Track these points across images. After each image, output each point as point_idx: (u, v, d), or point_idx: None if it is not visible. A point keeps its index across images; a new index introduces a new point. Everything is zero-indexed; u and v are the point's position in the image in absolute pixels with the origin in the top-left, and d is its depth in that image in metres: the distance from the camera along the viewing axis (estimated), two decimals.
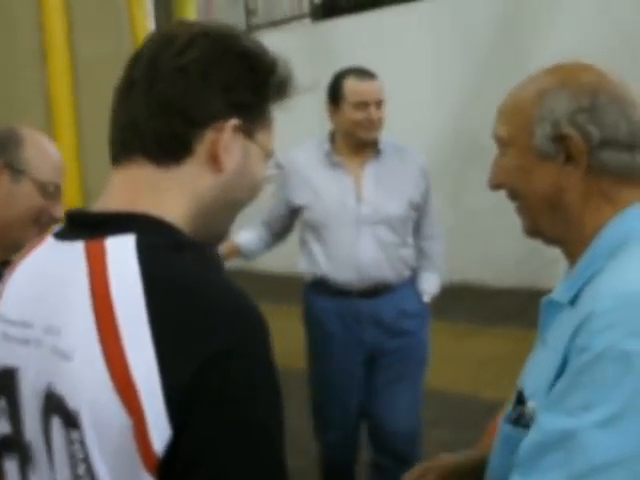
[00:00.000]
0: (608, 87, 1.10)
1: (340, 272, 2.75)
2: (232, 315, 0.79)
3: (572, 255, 1.14)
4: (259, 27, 9.27)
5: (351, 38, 7.88)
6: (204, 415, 0.75)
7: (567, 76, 1.12)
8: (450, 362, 4.86)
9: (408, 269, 2.84)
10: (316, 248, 2.79)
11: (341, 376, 2.83)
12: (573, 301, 1.08)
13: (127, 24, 3.34)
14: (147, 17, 2.95)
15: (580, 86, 1.09)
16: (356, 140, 2.77)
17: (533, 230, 1.19)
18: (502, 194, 1.21)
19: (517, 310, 5.59)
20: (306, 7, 8.79)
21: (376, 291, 2.77)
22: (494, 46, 6.82)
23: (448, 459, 1.43)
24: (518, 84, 1.18)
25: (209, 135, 0.89)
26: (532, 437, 1.00)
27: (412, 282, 2.88)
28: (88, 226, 0.86)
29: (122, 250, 0.81)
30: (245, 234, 2.96)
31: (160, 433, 0.74)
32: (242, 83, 0.91)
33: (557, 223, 1.14)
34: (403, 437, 2.86)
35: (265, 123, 0.95)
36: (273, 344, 0.83)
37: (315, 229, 2.80)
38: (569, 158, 1.09)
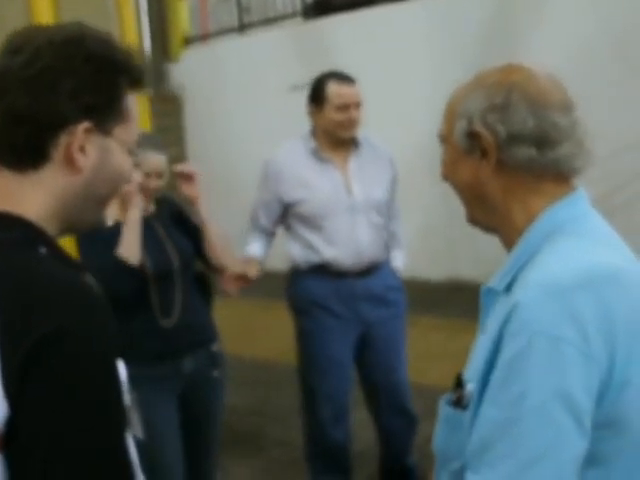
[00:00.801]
0: (526, 88, 1.15)
1: (342, 256, 3.05)
2: (66, 300, 0.85)
3: (507, 244, 1.21)
4: (252, 25, 9.28)
5: (343, 36, 7.90)
6: (37, 393, 0.81)
7: (486, 78, 1.19)
8: (443, 357, 4.92)
9: (387, 248, 3.22)
10: (313, 238, 3.07)
11: (340, 350, 3.10)
12: (507, 288, 1.14)
13: (116, 25, 3.37)
14: (135, 18, 2.94)
15: (497, 85, 1.16)
16: (336, 138, 3.12)
17: (470, 219, 1.28)
18: None
19: None
20: (299, 5, 8.80)
21: (369, 270, 3.11)
22: (485, 45, 6.85)
23: None
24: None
25: (63, 139, 0.95)
26: (477, 432, 1.05)
27: (388, 260, 3.25)
28: None
29: None
30: (255, 246, 3.20)
31: None
32: (89, 87, 0.96)
33: (487, 213, 1.22)
34: (404, 393, 3.23)
35: (121, 117, 1.01)
36: (113, 331, 0.89)
37: (309, 221, 3.08)
38: (483, 153, 1.17)
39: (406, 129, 7.55)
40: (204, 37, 9.82)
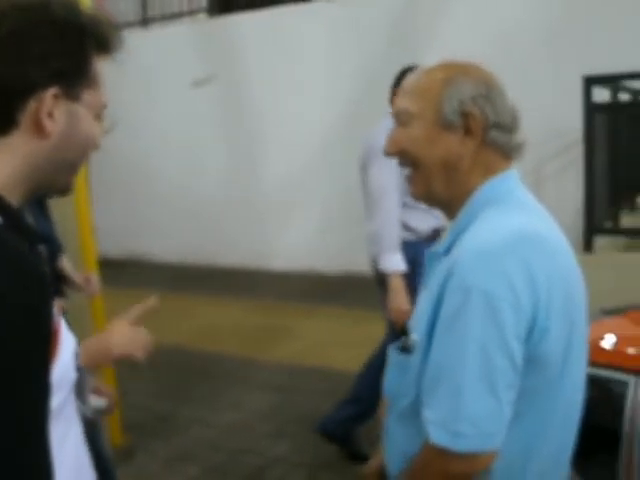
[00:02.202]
0: (494, 82, 1.37)
1: (423, 224, 3.20)
2: (6, 266, 0.85)
3: (452, 214, 1.40)
4: (154, 20, 9.23)
5: (247, 34, 7.99)
6: None
7: (465, 68, 1.37)
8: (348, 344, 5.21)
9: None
10: (413, 212, 3.15)
11: None
12: (447, 251, 1.34)
13: None
14: None
15: (478, 77, 1.35)
16: None
17: (426, 193, 1.41)
18: None
19: None
20: (203, 1, 8.82)
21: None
22: (385, 44, 7.10)
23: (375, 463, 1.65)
24: (419, 71, 1.41)
25: (31, 105, 0.95)
26: (427, 373, 1.26)
27: None
28: None
29: None
30: (398, 257, 3.18)
31: None
32: (56, 52, 0.96)
33: (447, 186, 1.37)
34: None
35: (89, 82, 1.01)
36: (47, 304, 0.89)
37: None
38: (467, 132, 1.34)
39: (305, 127, 7.72)
40: None
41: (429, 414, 1.24)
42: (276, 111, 7.89)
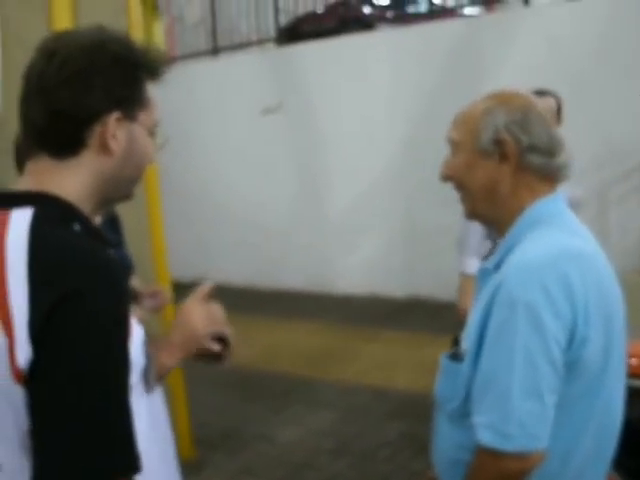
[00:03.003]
0: (534, 108, 1.47)
1: None
2: (86, 267, 1.01)
3: (501, 232, 1.51)
4: (224, 49, 9.50)
5: (313, 62, 8.17)
6: (52, 344, 0.97)
7: (505, 98, 1.49)
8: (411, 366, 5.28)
9: None
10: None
11: None
12: (497, 267, 1.45)
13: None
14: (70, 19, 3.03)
15: (514, 105, 1.46)
16: None
17: (472, 213, 1.54)
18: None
19: None
20: (271, 31, 9.05)
21: None
22: (447, 71, 7.17)
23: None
24: (469, 103, 1.54)
25: (97, 129, 1.12)
26: (477, 382, 1.37)
27: None
28: (1, 201, 1.10)
29: (21, 218, 1.06)
30: (474, 262, 3.18)
31: (24, 352, 0.97)
32: (117, 82, 1.12)
33: (492, 208, 1.50)
34: None
35: (143, 105, 1.17)
36: (125, 299, 1.06)
37: None
38: (503, 158, 1.45)
39: (368, 152, 7.83)
40: (174, 60, 10.01)
41: (479, 419, 1.35)
42: (340, 137, 8.03)
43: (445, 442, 1.53)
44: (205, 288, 1.49)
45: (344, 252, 8.14)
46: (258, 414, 4.65)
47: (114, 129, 1.13)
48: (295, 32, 8.71)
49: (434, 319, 6.34)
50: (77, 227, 1.10)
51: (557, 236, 1.41)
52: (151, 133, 1.21)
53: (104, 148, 1.13)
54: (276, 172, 8.55)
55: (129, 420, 1.02)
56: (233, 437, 4.30)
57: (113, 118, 1.12)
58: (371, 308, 7.46)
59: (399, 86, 7.56)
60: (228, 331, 1.49)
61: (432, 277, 7.20)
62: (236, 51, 9.33)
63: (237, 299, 8.43)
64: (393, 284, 7.72)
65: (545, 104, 3.02)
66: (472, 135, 1.47)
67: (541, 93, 3.21)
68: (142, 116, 1.17)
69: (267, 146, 8.46)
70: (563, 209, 1.48)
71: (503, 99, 1.48)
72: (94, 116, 1.11)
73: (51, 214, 1.08)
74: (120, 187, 1.21)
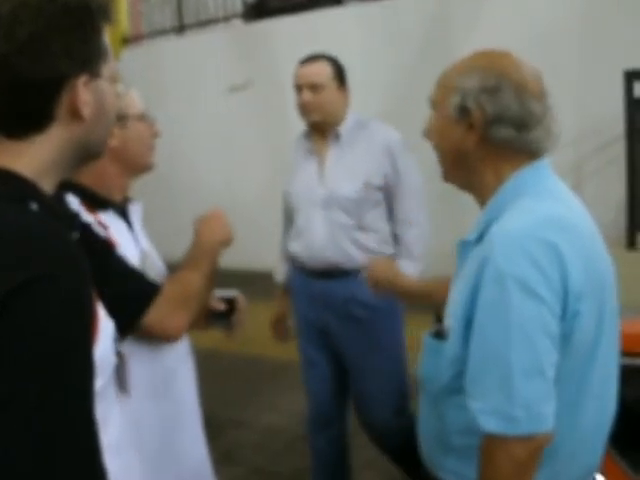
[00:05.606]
0: (514, 75, 1.35)
1: (301, 252, 2.81)
2: (43, 252, 0.89)
3: (481, 202, 1.43)
4: (190, 26, 9.31)
5: (282, 38, 8.02)
6: (6, 335, 0.84)
7: (487, 60, 1.38)
8: None
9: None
10: (292, 230, 2.88)
11: (308, 348, 2.97)
12: (478, 239, 1.36)
13: None
14: None
15: (491, 69, 1.35)
16: (308, 124, 2.84)
17: (445, 177, 1.48)
18: None
19: None
20: (238, 7, 8.87)
21: (329, 273, 2.75)
22: (420, 44, 7.08)
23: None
24: (457, 60, 1.44)
25: (65, 97, 0.99)
26: (471, 363, 1.28)
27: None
28: None
29: None
30: (283, 268, 3.06)
31: None
32: (77, 41, 0.98)
33: (463, 174, 1.43)
34: (369, 406, 2.92)
35: (105, 56, 1.04)
36: (84, 285, 0.93)
37: (292, 213, 2.90)
38: (470, 126, 1.36)
39: None
40: (140, 37, 9.79)
41: (478, 404, 1.25)
42: None
43: (430, 424, 1.46)
44: (213, 208, 1.61)
45: None
46: (234, 399, 4.56)
47: (84, 94, 0.99)
48: (263, 8, 8.55)
49: None
50: (34, 206, 0.96)
51: (540, 204, 1.33)
52: (113, 80, 1.08)
53: (74, 116, 1.00)
54: (245, 150, 8.42)
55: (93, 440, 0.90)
56: (210, 424, 4.18)
57: (81, 82, 0.99)
58: None
59: (371, 61, 7.44)
60: (236, 294, 1.61)
61: None
62: (203, 28, 9.14)
63: None
64: None
65: (302, 71, 2.86)
66: (444, 98, 1.40)
67: None
68: (104, 68, 1.04)
69: (236, 124, 8.32)
70: (547, 177, 1.39)
71: (484, 62, 1.38)
72: (59, 84, 0.97)
73: (5, 193, 0.95)
74: (91, 149, 1.08)
